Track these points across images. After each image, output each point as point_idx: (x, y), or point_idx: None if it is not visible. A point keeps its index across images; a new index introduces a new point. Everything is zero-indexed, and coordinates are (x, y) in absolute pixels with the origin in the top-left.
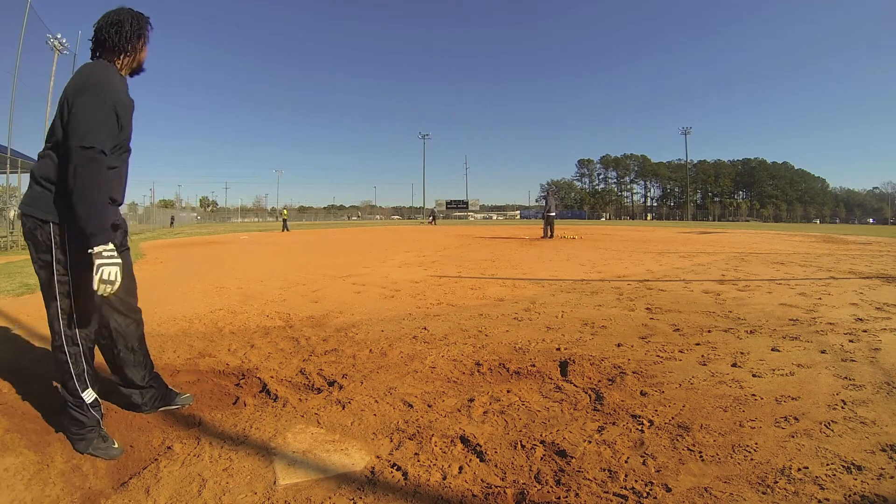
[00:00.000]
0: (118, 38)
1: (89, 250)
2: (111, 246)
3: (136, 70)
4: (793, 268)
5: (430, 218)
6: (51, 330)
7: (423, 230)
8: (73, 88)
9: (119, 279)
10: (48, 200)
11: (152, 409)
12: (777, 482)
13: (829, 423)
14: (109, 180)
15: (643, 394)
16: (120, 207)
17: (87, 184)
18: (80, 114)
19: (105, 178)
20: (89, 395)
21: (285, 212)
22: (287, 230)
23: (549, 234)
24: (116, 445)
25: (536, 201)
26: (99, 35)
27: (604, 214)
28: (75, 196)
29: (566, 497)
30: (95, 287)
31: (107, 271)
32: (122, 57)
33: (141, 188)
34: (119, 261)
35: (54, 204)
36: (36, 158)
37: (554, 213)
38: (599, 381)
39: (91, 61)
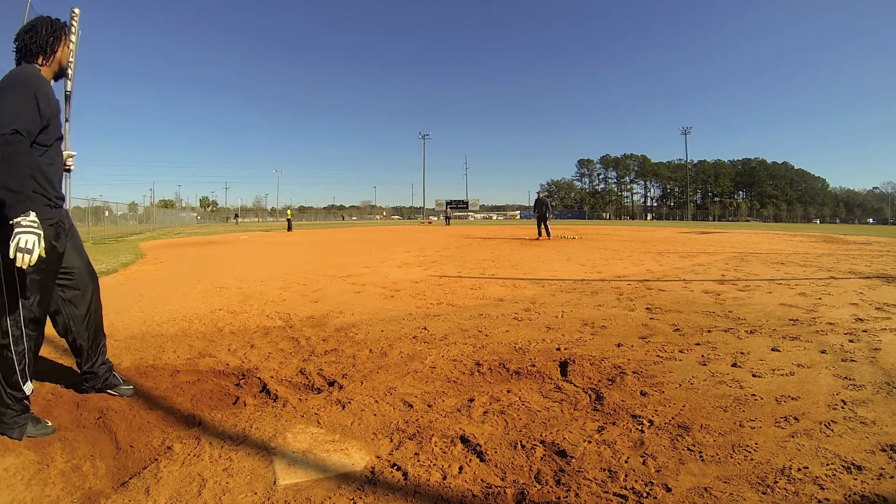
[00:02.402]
0: (34, 42)
1: (10, 221)
2: (32, 216)
3: (59, 74)
4: (793, 268)
5: (446, 219)
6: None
7: (423, 230)
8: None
9: (37, 249)
10: None
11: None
12: (777, 482)
13: (829, 423)
14: (28, 156)
15: (643, 394)
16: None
17: (5, 163)
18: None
19: (22, 155)
20: (28, 388)
21: (290, 212)
22: (290, 230)
23: (541, 233)
24: (49, 424)
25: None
26: (18, 44)
27: (604, 214)
28: None
29: (566, 497)
30: (11, 255)
31: (24, 239)
32: (41, 59)
33: (141, 188)
34: (39, 232)
35: None
36: None
37: (538, 214)
38: (599, 381)
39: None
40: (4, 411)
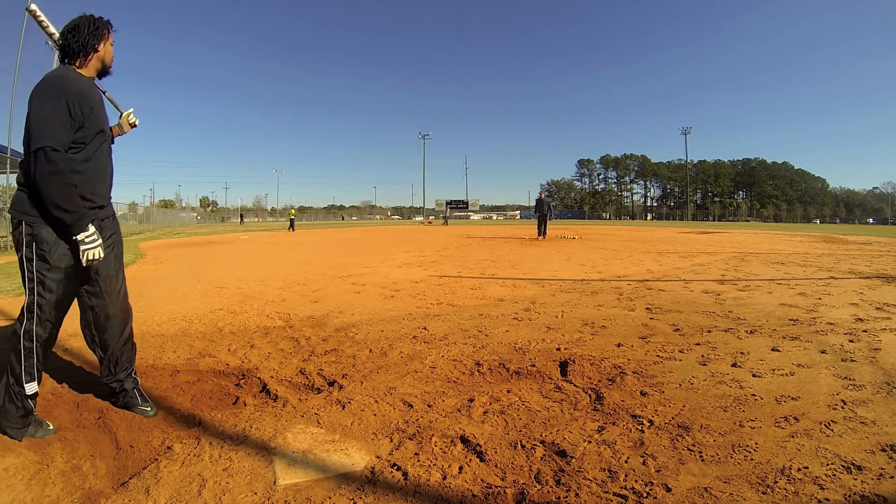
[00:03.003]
0: (76, 42)
1: (73, 238)
2: (90, 230)
3: (103, 72)
4: (793, 268)
5: (443, 219)
6: (17, 319)
7: (423, 230)
8: (30, 95)
9: (102, 254)
10: (24, 202)
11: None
12: (777, 482)
13: (829, 423)
14: (69, 174)
15: (643, 394)
16: (109, 205)
17: (49, 184)
18: (31, 118)
19: (64, 173)
20: (31, 388)
21: (292, 211)
22: (293, 230)
23: (541, 233)
24: (51, 426)
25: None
26: (62, 43)
27: (604, 214)
28: (44, 198)
29: (566, 497)
30: (84, 265)
31: (91, 253)
32: (82, 58)
33: (141, 188)
34: (100, 241)
35: (32, 205)
36: None
37: (539, 214)
38: (599, 381)
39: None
40: (8, 408)
